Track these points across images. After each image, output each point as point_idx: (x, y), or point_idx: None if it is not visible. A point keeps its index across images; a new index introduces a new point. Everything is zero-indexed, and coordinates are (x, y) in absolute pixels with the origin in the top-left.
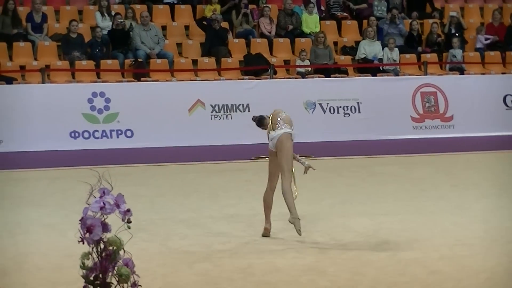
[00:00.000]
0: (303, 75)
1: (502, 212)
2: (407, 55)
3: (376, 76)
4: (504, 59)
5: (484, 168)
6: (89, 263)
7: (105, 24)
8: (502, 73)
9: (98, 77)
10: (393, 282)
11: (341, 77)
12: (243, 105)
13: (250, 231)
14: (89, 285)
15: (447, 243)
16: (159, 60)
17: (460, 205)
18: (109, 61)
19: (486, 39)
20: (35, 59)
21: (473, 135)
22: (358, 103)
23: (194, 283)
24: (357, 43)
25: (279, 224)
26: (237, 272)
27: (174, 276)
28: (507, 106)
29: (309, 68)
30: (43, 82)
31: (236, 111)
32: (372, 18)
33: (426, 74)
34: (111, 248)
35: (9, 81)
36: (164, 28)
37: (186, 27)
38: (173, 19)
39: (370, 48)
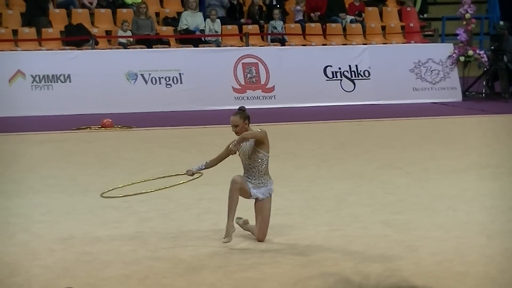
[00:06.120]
0: (125, 46)
1: (321, 182)
2: (229, 26)
3: (198, 47)
4: (324, 31)
5: (304, 139)
6: None
7: None
8: (323, 45)
9: None
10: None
11: (163, 48)
12: (64, 75)
13: (71, 201)
14: None
15: None
16: None
17: (281, 175)
18: None
19: (298, 10)
20: None
21: (294, 106)
22: (180, 73)
23: (14, 254)
24: (179, 14)
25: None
26: (58, 242)
27: None
28: (328, 77)
29: (131, 39)
30: None
31: (57, 82)
32: None
33: (247, 45)
34: None
35: None
36: None
37: None
38: None
39: (192, 19)
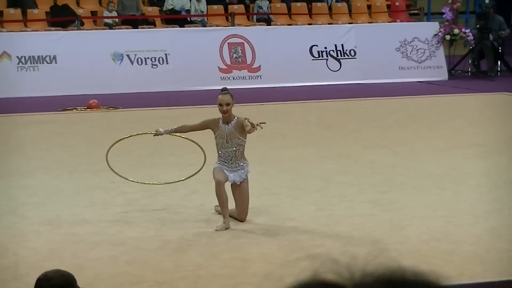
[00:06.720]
0: (110, 27)
1: (307, 162)
2: (215, 7)
3: (184, 27)
4: (310, 10)
5: (290, 119)
6: None
7: None
8: (309, 24)
9: None
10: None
11: (149, 28)
12: (50, 56)
13: (58, 182)
14: None
15: (255, 193)
16: None
17: (268, 155)
18: None
19: None
20: None
21: (280, 86)
22: (166, 54)
23: (1, 236)
24: None
25: (86, 179)
26: (44, 224)
27: None
28: (313, 57)
29: (117, 20)
30: None
31: (43, 63)
32: None
33: (233, 25)
34: None
35: None
36: None
37: None
38: None
39: (177, 0)
